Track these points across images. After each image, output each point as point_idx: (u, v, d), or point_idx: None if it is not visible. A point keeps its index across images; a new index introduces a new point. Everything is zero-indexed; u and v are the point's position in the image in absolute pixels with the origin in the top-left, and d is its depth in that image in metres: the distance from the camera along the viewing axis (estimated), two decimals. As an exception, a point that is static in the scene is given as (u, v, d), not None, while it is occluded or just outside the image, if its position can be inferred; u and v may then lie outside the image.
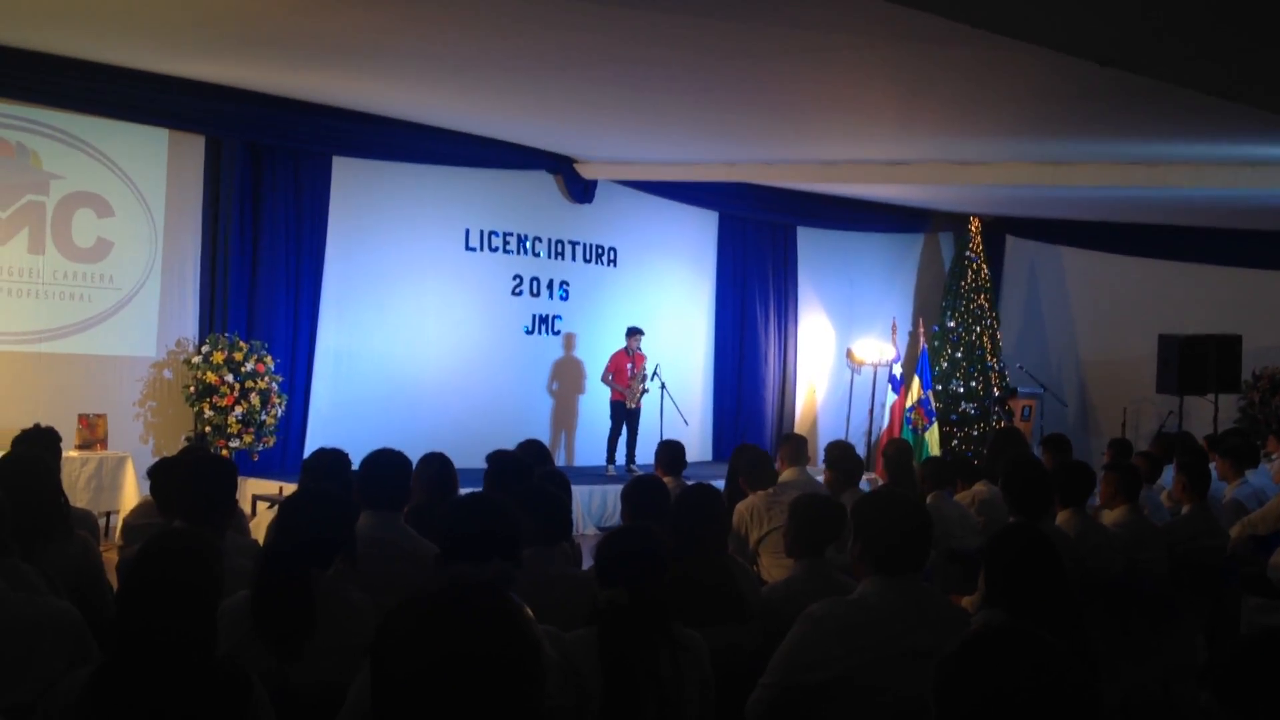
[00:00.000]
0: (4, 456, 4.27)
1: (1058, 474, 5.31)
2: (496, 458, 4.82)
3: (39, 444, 5.17)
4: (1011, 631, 1.85)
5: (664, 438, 8.80)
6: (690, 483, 5.34)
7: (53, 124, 9.46)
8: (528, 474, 4.53)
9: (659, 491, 4.38)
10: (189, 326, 10.22)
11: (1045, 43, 5.91)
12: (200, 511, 3.73)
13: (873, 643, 2.98)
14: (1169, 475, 7.76)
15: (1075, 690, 1.78)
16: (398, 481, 4.12)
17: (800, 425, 14.36)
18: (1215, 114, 7.72)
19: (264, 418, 9.95)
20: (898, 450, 6.57)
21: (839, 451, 6.51)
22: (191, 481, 3.81)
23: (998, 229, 15.45)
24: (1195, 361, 12.35)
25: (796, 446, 6.87)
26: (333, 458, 4.78)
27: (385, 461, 4.12)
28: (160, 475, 4.61)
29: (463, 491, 4.33)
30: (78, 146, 9.62)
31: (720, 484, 5.67)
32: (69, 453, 8.28)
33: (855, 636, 2.99)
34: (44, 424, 5.64)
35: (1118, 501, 5.57)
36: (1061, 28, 5.79)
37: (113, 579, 3.99)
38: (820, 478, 6.96)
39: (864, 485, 7.38)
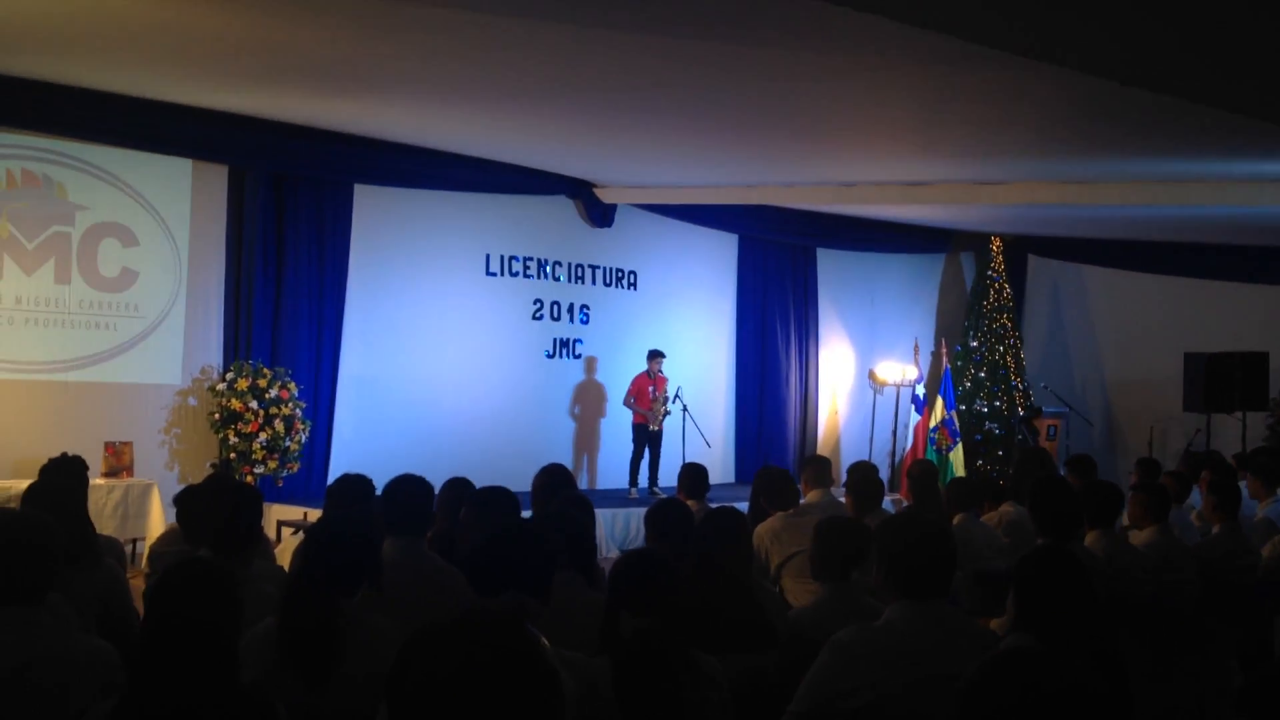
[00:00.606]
0: (32, 485, 4.30)
1: (1086, 495, 5.26)
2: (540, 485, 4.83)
3: (67, 472, 5.19)
4: (1032, 654, 1.84)
5: (686, 460, 8.78)
6: (714, 505, 5.33)
7: (78, 156, 9.57)
8: (553, 498, 4.53)
9: (683, 515, 4.36)
10: (213, 354, 10.29)
11: (1066, 63, 5.90)
12: (226, 539, 3.73)
13: (901, 668, 2.95)
14: (1198, 495, 7.70)
15: (1101, 713, 1.76)
16: (421, 507, 4.11)
17: (823, 447, 14.31)
18: (1237, 132, 7.69)
19: (288, 444, 9.99)
20: (923, 471, 6.54)
21: (858, 475, 6.51)
22: (217, 509, 3.82)
23: (1019, 248, 15.39)
24: (1222, 379, 12.28)
25: (820, 468, 6.85)
26: (357, 483, 4.77)
27: (408, 487, 4.11)
28: (186, 503, 4.63)
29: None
30: (103, 178, 9.72)
31: (744, 506, 5.64)
32: (95, 480, 8.32)
33: (883, 663, 2.96)
34: (70, 452, 5.67)
35: (1146, 522, 5.52)
36: (1082, 48, 5.78)
37: (140, 606, 4.00)
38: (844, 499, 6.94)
39: (888, 506, 7.33)
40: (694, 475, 6.38)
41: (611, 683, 2.73)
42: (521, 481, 5.18)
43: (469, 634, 1.54)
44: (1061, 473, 8.34)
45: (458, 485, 4.70)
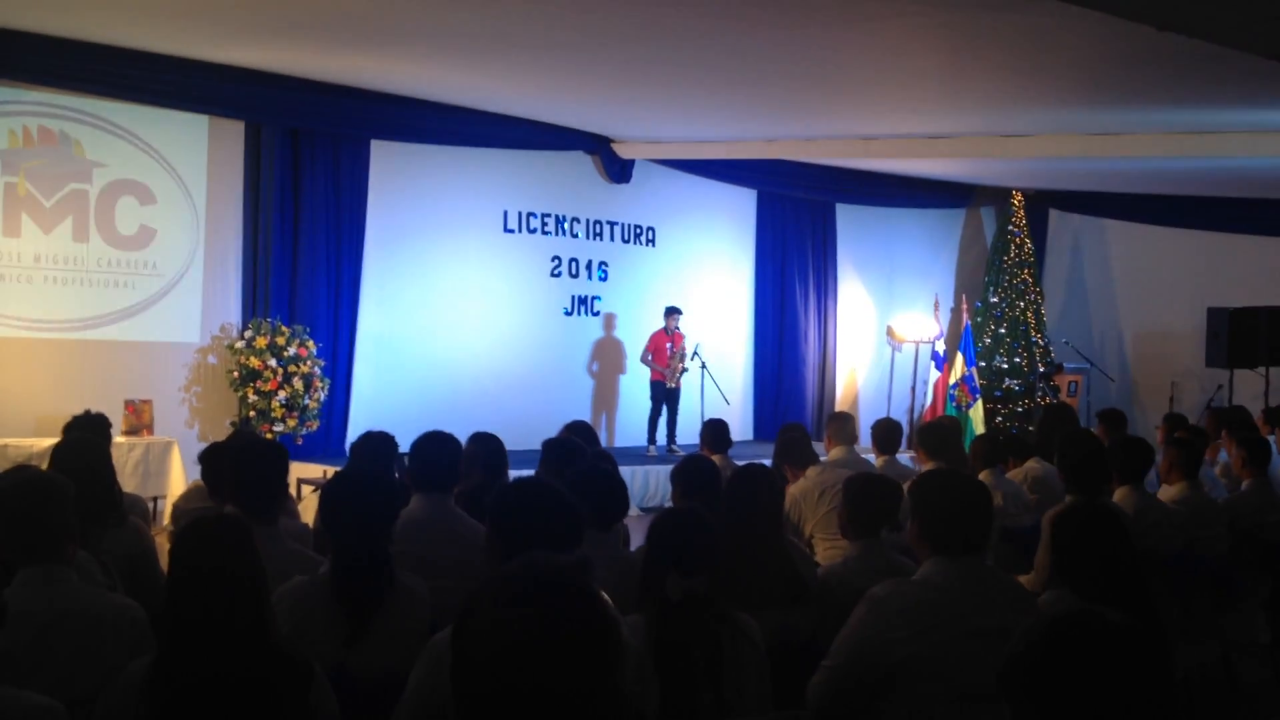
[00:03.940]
0: (59, 443, 4.28)
1: (1115, 450, 5.20)
2: (549, 445, 4.78)
3: (91, 429, 5.18)
4: (1093, 617, 1.79)
5: (704, 417, 8.75)
6: (737, 462, 5.29)
7: (94, 112, 9.51)
8: (581, 456, 4.49)
9: (710, 471, 4.32)
10: (232, 312, 10.27)
11: (1102, 7, 5.76)
12: (252, 496, 3.71)
13: (938, 623, 2.91)
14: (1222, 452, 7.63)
15: (1159, 675, 1.72)
16: (449, 464, 4.08)
17: (841, 403, 14.27)
18: (1276, 79, 7.51)
19: (307, 402, 10.00)
20: (948, 428, 6.48)
21: (879, 429, 6.56)
22: (243, 466, 3.79)
23: (1041, 203, 15.23)
24: (1245, 334, 12.17)
25: (843, 425, 6.82)
26: (381, 440, 4.77)
27: (436, 443, 4.08)
28: (212, 460, 4.61)
29: (513, 475, 4.30)
30: (119, 135, 9.67)
31: (767, 463, 5.61)
32: (116, 439, 8.30)
33: (920, 617, 2.92)
34: (92, 410, 5.67)
35: (1176, 477, 5.46)
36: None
37: (165, 564, 3.99)
38: (868, 456, 6.90)
39: (904, 459, 7.29)
40: (716, 430, 6.35)
41: (647, 641, 2.70)
42: (538, 438, 5.14)
43: (538, 586, 1.51)
44: (1089, 427, 8.28)
45: (484, 441, 4.67)
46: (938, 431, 6.14)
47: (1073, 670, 1.66)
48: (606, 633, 1.50)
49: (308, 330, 10.20)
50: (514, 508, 2.82)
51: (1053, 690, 1.70)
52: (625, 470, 11.16)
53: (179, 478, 9.09)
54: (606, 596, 1.62)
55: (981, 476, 5.85)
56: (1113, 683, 1.64)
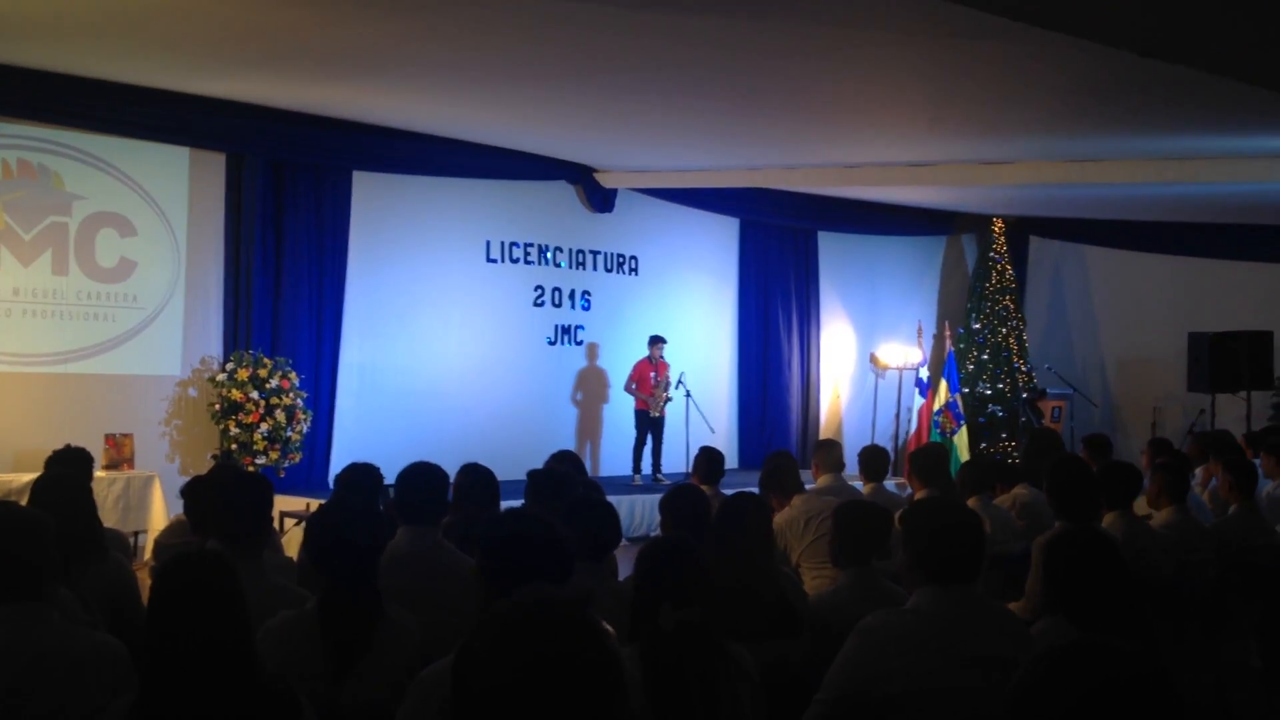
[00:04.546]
0: (39, 478, 4.22)
1: (1103, 475, 5.19)
2: (536, 475, 4.74)
3: (72, 464, 5.12)
4: (1101, 646, 1.76)
5: (689, 445, 8.72)
6: (726, 493, 5.25)
7: (74, 145, 9.46)
8: (570, 486, 4.45)
9: (698, 500, 4.29)
10: (213, 344, 10.20)
11: (1085, 34, 5.79)
12: (236, 530, 3.65)
13: (930, 653, 2.88)
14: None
15: (1170, 703, 1.69)
16: (436, 495, 4.04)
17: (825, 430, 14.26)
18: (1257, 105, 7.57)
19: (290, 434, 9.92)
20: (939, 454, 6.46)
21: (866, 456, 6.52)
22: (226, 500, 3.73)
23: (1021, 230, 15.33)
24: (1226, 359, 12.23)
25: (829, 452, 6.79)
26: (366, 472, 4.72)
27: (423, 475, 4.03)
28: (194, 494, 4.55)
29: (503, 506, 4.25)
30: (99, 167, 9.62)
31: (755, 491, 5.57)
32: (97, 473, 8.17)
33: (912, 648, 2.89)
34: (73, 445, 5.60)
35: (1164, 502, 5.46)
36: (1103, 18, 5.67)
37: (147, 600, 3.93)
38: (855, 483, 6.88)
39: (890, 486, 7.27)
40: (710, 460, 6.30)
41: (641, 673, 2.65)
42: (523, 468, 5.10)
43: (541, 619, 1.49)
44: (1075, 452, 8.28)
45: (474, 472, 4.63)
46: (929, 458, 6.12)
47: (1084, 701, 1.62)
48: (610, 665, 1.48)
49: (290, 362, 10.13)
50: (503, 539, 2.78)
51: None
52: (610, 500, 11.15)
53: (160, 512, 8.99)
54: (609, 628, 1.60)
55: (969, 503, 5.84)
56: (1125, 713, 1.61)
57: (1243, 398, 12.22)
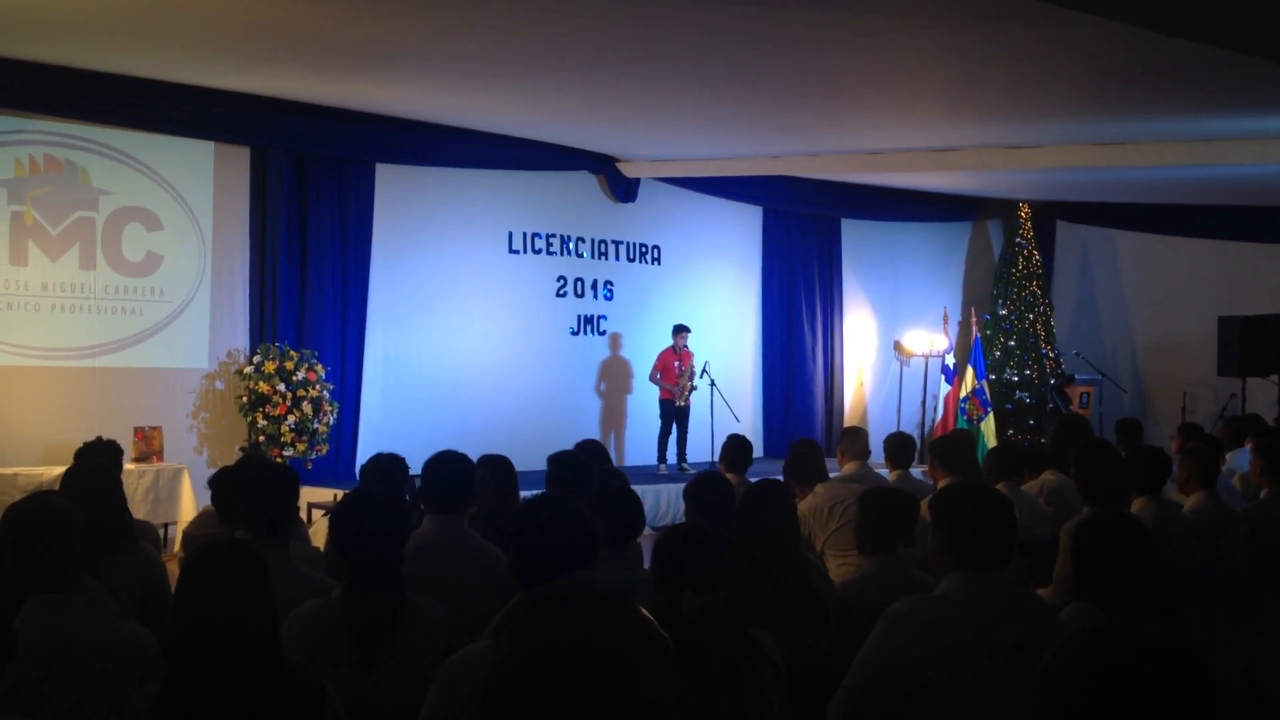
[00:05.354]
0: (69, 470, 4.25)
1: (1132, 460, 5.15)
2: (557, 460, 4.74)
3: (103, 456, 5.16)
4: (1133, 630, 1.73)
5: (714, 434, 8.69)
6: (754, 480, 5.23)
7: (100, 140, 9.53)
8: (589, 474, 4.44)
9: (723, 488, 4.28)
10: (240, 337, 10.26)
11: (1111, 14, 5.71)
12: (264, 520, 3.67)
13: (960, 640, 2.85)
14: (1235, 459, 7.57)
15: (1204, 688, 1.66)
16: (462, 484, 4.04)
17: (850, 418, 14.21)
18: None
19: (316, 426, 9.97)
20: (963, 441, 6.43)
21: (892, 443, 6.48)
22: (254, 491, 3.75)
23: (1048, 214, 15.19)
24: (1257, 342, 12.11)
25: (855, 439, 6.76)
26: (391, 462, 4.73)
27: (448, 463, 4.04)
28: (222, 485, 4.58)
29: (524, 494, 4.25)
30: (125, 162, 9.68)
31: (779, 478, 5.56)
32: (126, 465, 8.29)
33: (941, 634, 2.86)
34: (103, 438, 5.64)
35: (1194, 487, 5.39)
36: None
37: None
38: (881, 470, 6.85)
39: (916, 473, 7.23)
40: (737, 448, 6.26)
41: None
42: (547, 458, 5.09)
43: (587, 611, 1.47)
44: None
45: (494, 463, 4.63)
46: (953, 445, 6.08)
47: (1115, 685, 1.59)
48: (657, 654, 1.46)
49: (316, 354, 10.18)
50: (537, 524, 2.77)
51: (1092, 706, 1.63)
52: (635, 489, 11.16)
53: (189, 503, 9.06)
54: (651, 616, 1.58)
55: (998, 489, 5.80)
56: (1158, 698, 1.58)
57: (1274, 381, 12.09)
